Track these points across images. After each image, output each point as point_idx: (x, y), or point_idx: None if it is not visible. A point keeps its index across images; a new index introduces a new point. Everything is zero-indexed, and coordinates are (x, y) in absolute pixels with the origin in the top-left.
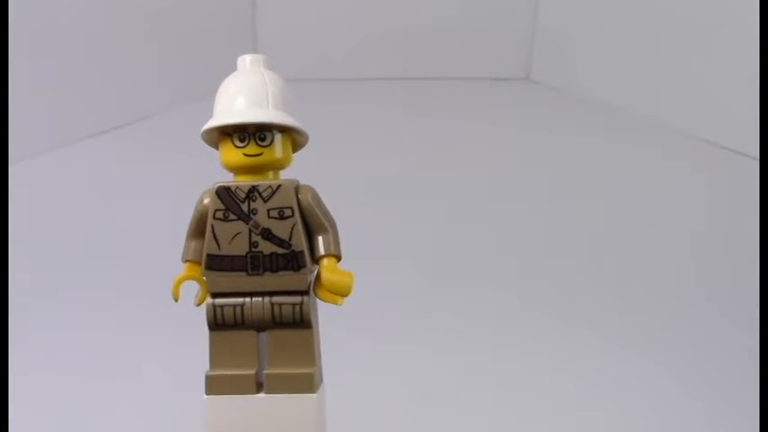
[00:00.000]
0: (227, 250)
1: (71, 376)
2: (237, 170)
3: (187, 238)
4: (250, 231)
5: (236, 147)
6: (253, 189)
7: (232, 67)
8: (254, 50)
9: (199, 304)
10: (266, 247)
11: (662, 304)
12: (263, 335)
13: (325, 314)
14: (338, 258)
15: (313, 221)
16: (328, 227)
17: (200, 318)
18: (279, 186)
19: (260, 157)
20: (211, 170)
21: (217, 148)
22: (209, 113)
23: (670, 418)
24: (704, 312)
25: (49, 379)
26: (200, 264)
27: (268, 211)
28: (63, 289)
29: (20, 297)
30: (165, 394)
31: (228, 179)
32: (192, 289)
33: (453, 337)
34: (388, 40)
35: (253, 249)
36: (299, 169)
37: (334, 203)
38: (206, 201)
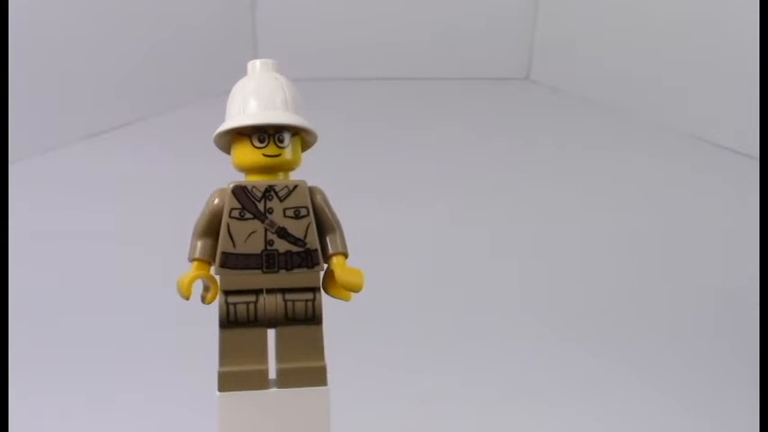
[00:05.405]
0: (242, 248)
1: (70, 381)
2: (253, 170)
3: (194, 237)
4: (266, 230)
5: (256, 147)
6: (269, 189)
7: (232, 68)
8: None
9: (210, 302)
10: (282, 246)
11: (660, 303)
12: (271, 331)
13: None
14: (346, 256)
15: (323, 221)
16: (336, 226)
17: (201, 317)
18: (295, 186)
19: (278, 157)
20: (211, 170)
21: (226, 149)
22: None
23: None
24: (703, 311)
25: (51, 380)
26: (208, 262)
27: (284, 210)
28: (63, 288)
29: (20, 296)
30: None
31: (231, 179)
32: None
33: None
34: (388, 40)
35: (268, 247)
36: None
37: (336, 203)
38: (217, 200)
